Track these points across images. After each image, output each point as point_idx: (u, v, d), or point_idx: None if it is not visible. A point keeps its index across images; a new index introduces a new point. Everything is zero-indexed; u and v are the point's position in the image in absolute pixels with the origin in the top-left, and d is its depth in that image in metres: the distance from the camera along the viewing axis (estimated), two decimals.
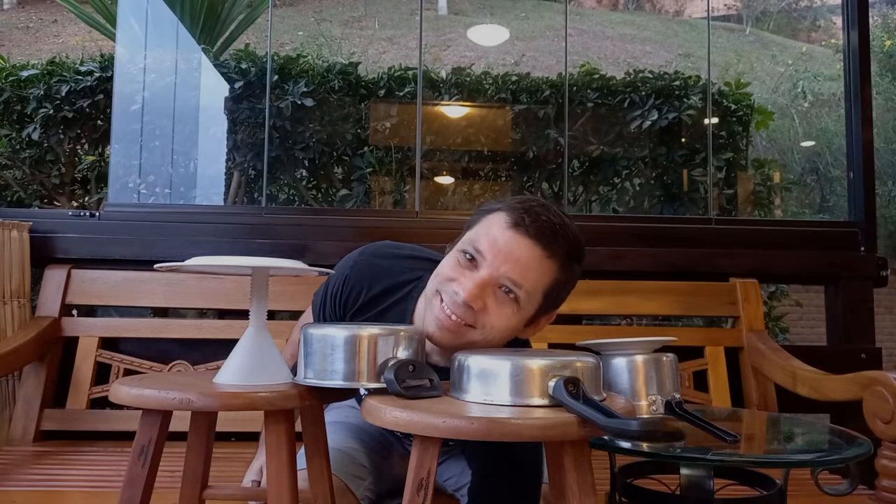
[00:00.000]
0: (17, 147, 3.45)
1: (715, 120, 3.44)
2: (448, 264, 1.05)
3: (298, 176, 3.60)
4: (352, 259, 1.22)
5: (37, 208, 3.42)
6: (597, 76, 3.57)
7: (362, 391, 1.02)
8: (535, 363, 0.84)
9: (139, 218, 2.20)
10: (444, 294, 1.02)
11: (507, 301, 1.01)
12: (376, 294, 1.17)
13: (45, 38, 11.84)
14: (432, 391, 0.89)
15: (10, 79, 3.37)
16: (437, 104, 3.61)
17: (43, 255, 2.02)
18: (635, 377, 1.05)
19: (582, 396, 0.82)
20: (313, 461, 1.03)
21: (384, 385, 0.88)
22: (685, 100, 3.41)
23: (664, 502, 1.14)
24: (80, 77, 3.33)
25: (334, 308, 1.20)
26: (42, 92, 3.31)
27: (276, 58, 3.43)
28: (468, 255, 1.02)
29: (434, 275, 1.07)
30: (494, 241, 1.00)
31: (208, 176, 3.68)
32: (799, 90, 9.95)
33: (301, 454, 1.04)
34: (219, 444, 1.16)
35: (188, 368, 1.94)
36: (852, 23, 2.35)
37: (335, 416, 1.41)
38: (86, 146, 3.57)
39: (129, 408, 1.70)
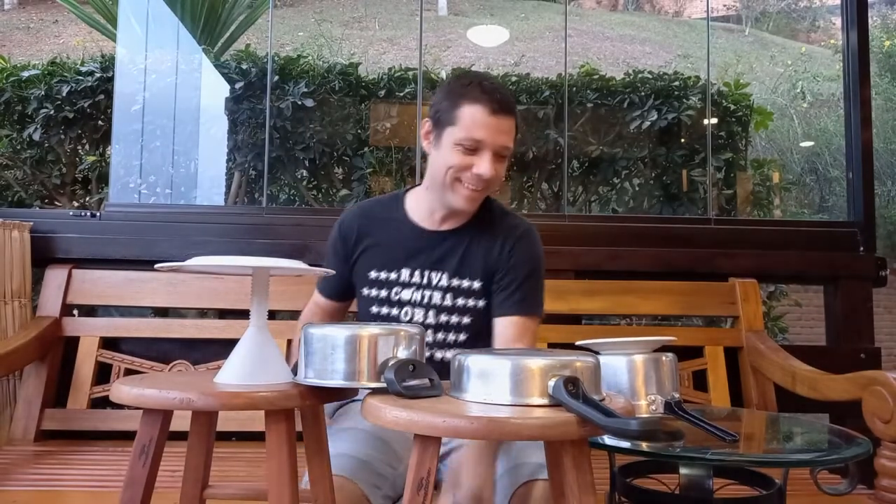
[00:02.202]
0: (18, 147, 3.45)
1: (714, 120, 3.44)
2: (454, 157, 1.31)
3: (299, 176, 3.60)
4: (341, 214, 1.49)
5: (38, 208, 3.41)
6: (596, 77, 3.57)
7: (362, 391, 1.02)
8: (535, 363, 0.85)
9: (140, 218, 2.20)
10: (464, 178, 1.32)
11: (503, 160, 1.35)
12: (369, 222, 1.44)
13: (45, 39, 11.85)
14: (432, 391, 0.89)
15: (11, 79, 3.37)
16: None
17: (44, 255, 2.02)
18: (635, 377, 1.06)
19: (581, 396, 0.82)
20: (313, 461, 1.03)
21: (384, 384, 0.89)
22: (684, 100, 3.41)
23: (664, 502, 1.15)
24: (80, 77, 3.34)
25: (336, 252, 1.44)
26: (43, 92, 3.31)
27: (276, 58, 3.43)
28: (469, 146, 1.30)
29: (444, 167, 1.33)
30: (486, 126, 1.29)
31: (209, 176, 3.68)
32: (798, 90, 9.96)
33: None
34: (219, 444, 1.17)
35: (189, 368, 1.94)
36: (851, 23, 2.35)
37: (351, 422, 1.37)
38: (87, 146, 3.57)
39: (129, 407, 1.71)
